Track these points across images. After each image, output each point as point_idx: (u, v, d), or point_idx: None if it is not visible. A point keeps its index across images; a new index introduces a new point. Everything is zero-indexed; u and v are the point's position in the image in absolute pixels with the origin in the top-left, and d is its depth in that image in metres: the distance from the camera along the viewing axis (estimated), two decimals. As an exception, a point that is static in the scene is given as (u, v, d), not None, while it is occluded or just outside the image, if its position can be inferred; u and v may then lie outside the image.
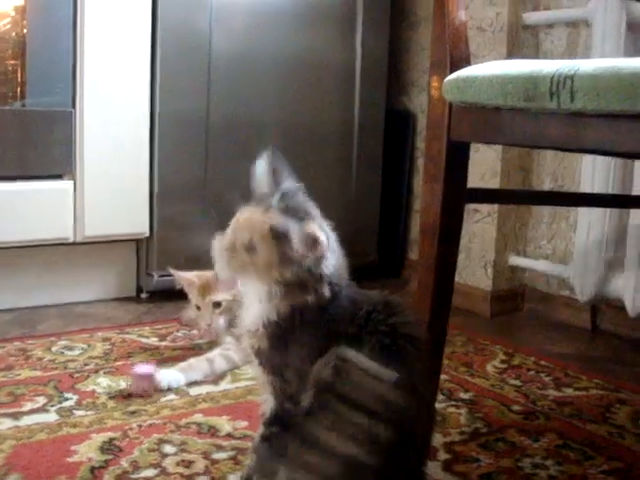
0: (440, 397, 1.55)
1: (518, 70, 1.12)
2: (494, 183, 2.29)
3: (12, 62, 2.13)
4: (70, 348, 1.80)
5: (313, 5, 2.45)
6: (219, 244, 1.07)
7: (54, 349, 1.79)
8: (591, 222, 2.09)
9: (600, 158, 2.01)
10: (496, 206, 2.30)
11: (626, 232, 2.05)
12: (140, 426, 1.37)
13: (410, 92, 2.74)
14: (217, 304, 1.76)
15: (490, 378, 1.72)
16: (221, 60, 2.28)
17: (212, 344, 1.79)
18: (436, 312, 1.36)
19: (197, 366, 1.63)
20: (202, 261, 2.21)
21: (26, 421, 1.38)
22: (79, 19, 2.07)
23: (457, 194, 1.34)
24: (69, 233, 2.11)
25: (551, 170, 2.30)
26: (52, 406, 1.45)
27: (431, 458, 1.23)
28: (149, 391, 1.52)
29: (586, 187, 2.08)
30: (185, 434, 1.34)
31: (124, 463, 1.23)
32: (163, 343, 1.87)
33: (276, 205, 1.06)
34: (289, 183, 1.11)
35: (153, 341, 1.88)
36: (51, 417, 1.40)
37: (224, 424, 1.39)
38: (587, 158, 2.08)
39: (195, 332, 1.91)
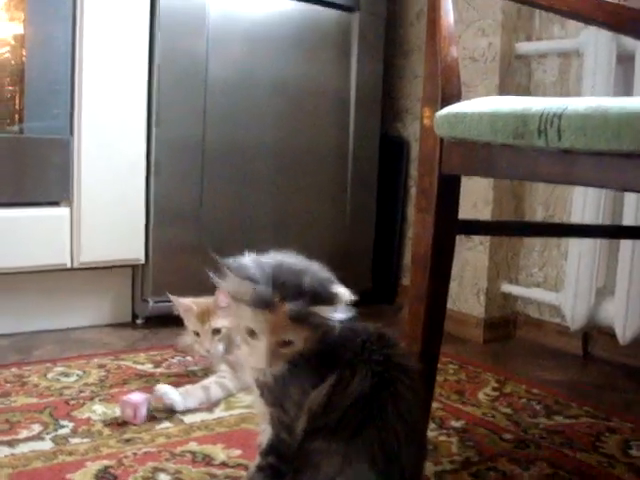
0: (432, 425, 1.56)
1: (507, 107, 1.15)
2: (486, 211, 2.32)
3: (11, 89, 2.15)
4: (66, 374, 1.81)
5: (309, 32, 2.49)
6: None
7: (50, 375, 1.80)
8: (582, 250, 2.12)
9: (591, 188, 2.04)
10: (488, 234, 2.33)
11: (616, 260, 2.07)
12: (135, 454, 1.38)
13: (404, 119, 2.77)
14: (217, 331, 1.76)
15: (482, 406, 1.73)
16: (217, 86, 2.31)
17: (207, 371, 1.81)
18: (428, 341, 1.38)
19: (193, 393, 1.64)
20: (197, 287, 2.24)
21: (22, 449, 1.38)
22: (77, 47, 2.10)
23: (448, 226, 1.36)
24: (66, 259, 2.12)
25: (543, 199, 2.33)
26: (48, 434, 1.46)
27: (423, 487, 1.25)
28: (130, 419, 1.53)
29: (577, 216, 2.11)
30: (180, 463, 1.36)
31: (119, 492, 1.25)
32: (158, 370, 1.89)
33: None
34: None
35: (148, 368, 1.90)
36: (47, 445, 1.41)
37: (219, 452, 1.40)
38: (579, 188, 2.11)
39: (190, 359, 1.93)
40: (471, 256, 2.39)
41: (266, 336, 1.01)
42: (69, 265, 2.14)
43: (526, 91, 2.37)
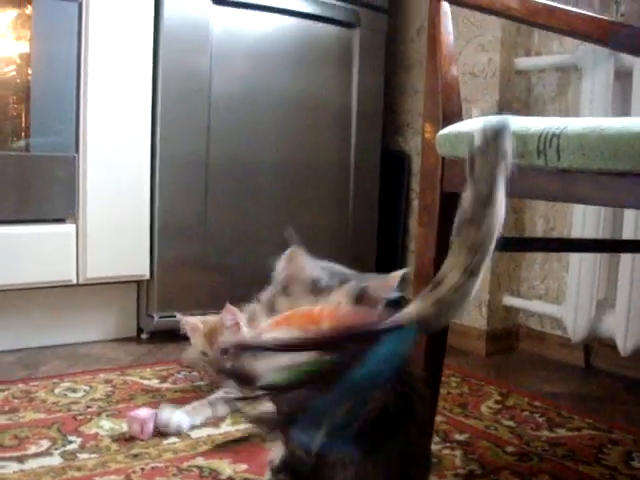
0: (435, 439, 1.58)
1: (507, 127, 1.17)
2: (487, 225, 2.33)
3: (16, 107, 2.18)
4: (73, 390, 1.83)
5: (311, 48, 2.52)
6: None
7: (57, 391, 1.82)
8: (582, 263, 2.14)
9: (591, 202, 2.06)
10: (490, 247, 2.34)
11: (617, 272, 2.09)
12: (143, 469, 1.40)
13: (405, 134, 2.79)
14: (225, 350, 1.77)
15: (485, 419, 1.75)
16: (221, 102, 2.34)
17: (213, 386, 1.82)
18: (430, 355, 1.40)
19: (200, 410, 1.66)
20: (201, 301, 2.27)
21: (31, 464, 1.40)
22: (82, 65, 2.13)
23: (450, 242, 1.38)
24: (72, 275, 2.15)
25: (543, 212, 2.35)
26: (56, 449, 1.47)
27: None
28: (137, 434, 1.55)
29: (577, 229, 2.13)
30: (187, 477, 1.37)
31: (128, 507, 1.27)
32: (164, 385, 1.91)
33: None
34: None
35: (154, 383, 1.92)
36: (55, 460, 1.42)
37: (225, 467, 1.42)
38: (578, 202, 2.14)
39: (196, 374, 1.95)
40: (473, 269, 2.40)
41: None
42: (75, 281, 2.16)
43: (526, 106, 2.39)
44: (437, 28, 1.40)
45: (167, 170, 2.27)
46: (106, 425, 1.61)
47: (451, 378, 2.04)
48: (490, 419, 1.75)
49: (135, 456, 1.46)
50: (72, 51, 2.13)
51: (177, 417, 1.60)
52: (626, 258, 2.05)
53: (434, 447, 1.52)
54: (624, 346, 2.06)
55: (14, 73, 2.18)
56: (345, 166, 2.65)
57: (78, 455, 1.45)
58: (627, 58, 2.04)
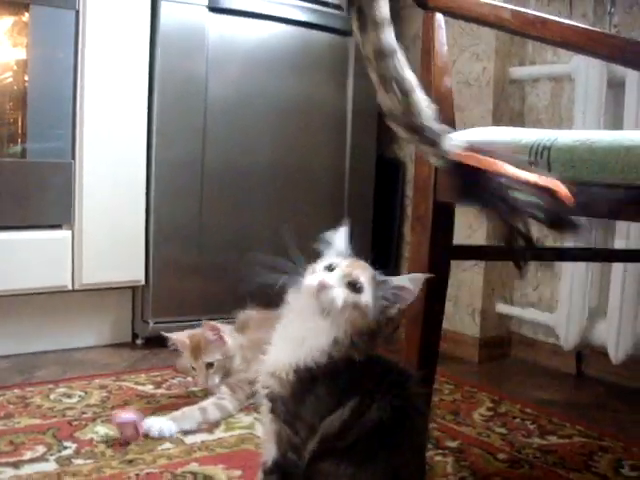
0: (428, 446, 1.59)
1: (500, 139, 1.19)
2: (481, 233, 2.36)
3: (13, 114, 2.19)
4: (68, 395, 1.84)
5: (306, 53, 2.53)
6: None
7: (52, 396, 1.83)
8: (575, 271, 2.15)
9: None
10: (483, 254, 2.37)
11: (609, 281, 2.11)
12: (138, 475, 1.41)
13: (400, 141, 2.81)
14: (210, 365, 1.79)
15: (477, 426, 1.77)
16: (217, 106, 2.36)
17: (207, 392, 1.84)
18: (423, 363, 1.41)
19: (190, 415, 1.67)
20: (196, 306, 2.28)
21: (27, 470, 1.41)
22: (79, 72, 2.14)
23: (443, 251, 1.40)
24: (67, 281, 2.16)
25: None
26: (51, 455, 1.48)
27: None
28: (134, 436, 1.56)
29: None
30: (181, 483, 1.39)
31: (122, 512, 1.28)
32: (159, 391, 1.92)
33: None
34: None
35: (149, 388, 1.93)
36: (51, 466, 1.43)
37: (219, 473, 1.43)
38: (571, 210, 2.15)
39: (190, 379, 1.96)
40: (466, 276, 2.42)
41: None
42: (70, 287, 2.17)
43: (520, 115, 2.41)
44: (431, 39, 1.42)
45: (163, 176, 2.28)
46: (101, 431, 1.62)
47: (444, 385, 2.05)
48: (482, 426, 1.77)
49: (130, 462, 1.47)
50: (69, 58, 2.14)
51: (160, 423, 1.61)
52: (618, 267, 2.06)
53: (426, 454, 1.53)
54: (616, 354, 2.08)
55: (11, 80, 2.19)
56: (340, 172, 2.66)
57: (73, 461, 1.46)
58: (619, 68, 2.05)
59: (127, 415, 1.59)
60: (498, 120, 2.36)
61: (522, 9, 1.52)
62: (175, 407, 1.72)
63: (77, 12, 2.12)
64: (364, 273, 1.07)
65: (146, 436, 1.59)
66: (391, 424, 1.01)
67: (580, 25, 1.63)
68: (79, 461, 1.46)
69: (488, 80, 2.38)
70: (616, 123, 2.08)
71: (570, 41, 1.62)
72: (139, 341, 2.35)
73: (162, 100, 2.27)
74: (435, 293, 1.40)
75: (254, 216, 2.45)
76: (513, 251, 1.11)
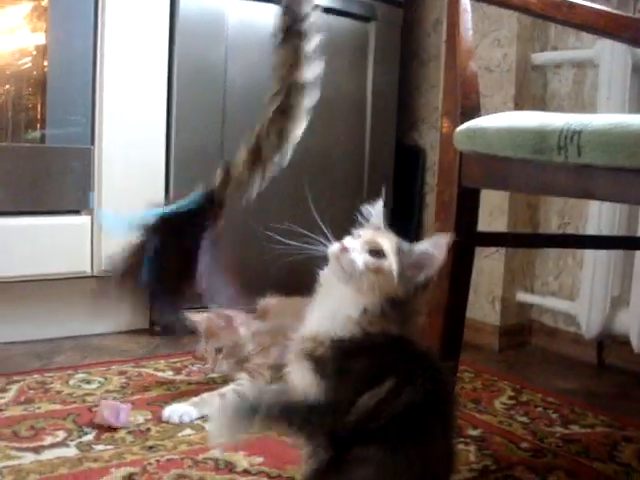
0: (450, 434, 1.58)
1: (526, 123, 1.17)
2: (502, 221, 2.33)
3: (32, 99, 2.18)
4: (87, 381, 1.84)
5: (326, 40, 2.50)
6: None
7: (72, 382, 1.82)
8: (597, 259, 2.13)
9: (607, 198, 2.05)
10: (504, 242, 2.35)
11: (632, 269, 2.09)
12: (158, 461, 1.40)
13: (420, 128, 2.79)
14: (219, 350, 1.79)
15: (498, 415, 1.75)
16: (236, 91, 2.34)
17: (226, 378, 1.83)
18: (446, 352, 1.40)
19: (210, 401, 1.66)
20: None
21: (47, 455, 1.41)
22: (98, 56, 2.13)
23: (467, 238, 1.39)
24: (86, 267, 2.15)
25: (558, 208, 2.34)
26: (72, 440, 1.48)
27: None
28: (109, 420, 1.55)
29: (593, 225, 2.12)
30: (203, 470, 1.38)
31: (144, 498, 1.27)
32: (178, 377, 1.91)
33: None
34: None
35: (169, 375, 1.92)
36: (71, 451, 1.43)
37: (241, 460, 1.42)
38: (594, 197, 2.13)
39: (209, 366, 1.95)
40: (487, 264, 2.40)
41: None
42: (89, 273, 2.16)
43: (541, 101, 2.39)
44: (456, 24, 1.40)
45: (182, 160, 2.27)
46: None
47: (464, 373, 2.03)
48: (504, 415, 1.75)
49: (150, 448, 1.47)
50: (88, 43, 2.13)
51: (180, 409, 1.62)
52: (641, 255, 2.04)
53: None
54: (638, 343, 2.06)
55: (30, 65, 2.18)
56: (359, 159, 2.65)
57: (94, 446, 1.46)
58: (644, 53, 2.03)
59: (114, 402, 1.61)
60: (520, 106, 2.33)
61: (548, -8, 1.50)
62: (195, 393, 1.71)
63: (96, -4, 2.11)
64: (387, 241, 1.07)
65: (166, 422, 1.59)
66: (423, 408, 1.00)
67: (605, 9, 1.61)
68: (100, 447, 1.46)
69: (510, 66, 2.36)
70: (641, 109, 2.06)
71: (596, 25, 1.60)
72: (156, 327, 2.34)
73: (181, 85, 2.25)
74: (459, 280, 1.39)
75: (273, 202, 2.43)
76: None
